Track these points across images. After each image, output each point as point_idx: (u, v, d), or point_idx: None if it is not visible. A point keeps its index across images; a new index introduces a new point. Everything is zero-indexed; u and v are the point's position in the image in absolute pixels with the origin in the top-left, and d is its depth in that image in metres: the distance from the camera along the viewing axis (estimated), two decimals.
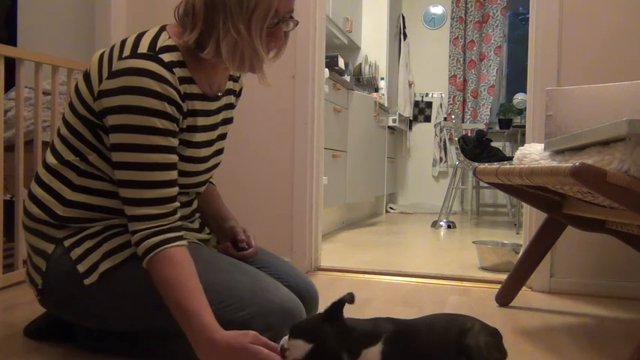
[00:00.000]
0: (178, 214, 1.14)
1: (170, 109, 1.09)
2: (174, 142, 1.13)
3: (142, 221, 1.09)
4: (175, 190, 1.14)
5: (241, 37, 1.10)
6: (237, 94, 1.43)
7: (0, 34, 3.04)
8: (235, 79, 1.39)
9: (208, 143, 1.28)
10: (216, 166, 1.36)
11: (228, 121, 1.37)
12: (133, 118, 1.07)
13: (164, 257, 1.07)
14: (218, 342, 1.01)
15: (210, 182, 1.50)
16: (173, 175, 1.13)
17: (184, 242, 1.12)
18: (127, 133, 1.08)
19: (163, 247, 1.08)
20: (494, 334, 1.14)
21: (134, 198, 1.09)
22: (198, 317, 1.03)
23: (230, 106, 1.37)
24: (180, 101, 1.12)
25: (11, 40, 2.86)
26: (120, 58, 1.11)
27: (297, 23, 1.19)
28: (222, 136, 1.36)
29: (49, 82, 2.16)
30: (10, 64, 1.96)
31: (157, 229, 1.09)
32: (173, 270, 1.06)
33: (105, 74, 1.12)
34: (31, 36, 2.81)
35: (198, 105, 1.21)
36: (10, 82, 2.02)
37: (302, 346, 0.96)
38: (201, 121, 1.23)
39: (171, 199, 1.12)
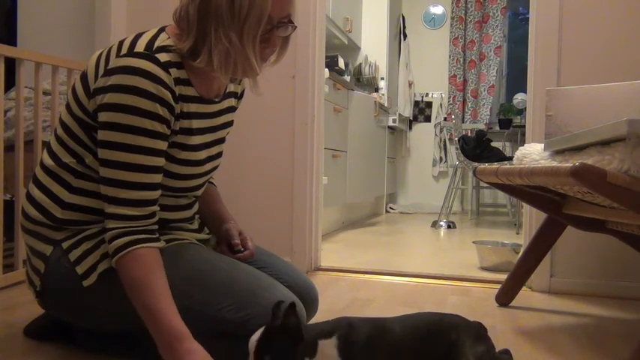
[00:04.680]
0: (156, 219, 1.14)
1: (162, 110, 1.09)
2: (162, 144, 1.12)
3: (116, 220, 1.09)
4: (156, 193, 1.13)
5: (233, 46, 1.07)
6: (239, 97, 1.42)
7: (0, 34, 3.04)
8: (237, 82, 1.38)
9: (206, 146, 1.27)
10: (214, 169, 1.35)
11: (228, 124, 1.36)
12: (123, 117, 1.06)
13: (133, 257, 1.07)
14: (183, 345, 1.01)
15: (211, 183, 1.50)
16: (155, 178, 1.12)
17: (157, 244, 1.11)
18: (115, 132, 1.07)
19: (133, 247, 1.07)
20: (480, 336, 1.09)
21: (112, 196, 1.09)
22: (166, 319, 1.03)
23: (231, 109, 1.36)
24: (172, 102, 1.11)
25: (11, 40, 2.86)
26: (117, 56, 1.10)
27: (295, 28, 1.17)
28: (221, 140, 1.35)
29: (49, 82, 2.16)
30: (10, 64, 1.96)
31: (129, 229, 1.08)
32: (141, 270, 1.06)
33: (101, 72, 1.11)
34: (31, 36, 2.81)
35: (194, 107, 1.20)
36: (10, 82, 2.02)
37: None
38: (197, 123, 1.21)
39: (149, 202, 1.11)
